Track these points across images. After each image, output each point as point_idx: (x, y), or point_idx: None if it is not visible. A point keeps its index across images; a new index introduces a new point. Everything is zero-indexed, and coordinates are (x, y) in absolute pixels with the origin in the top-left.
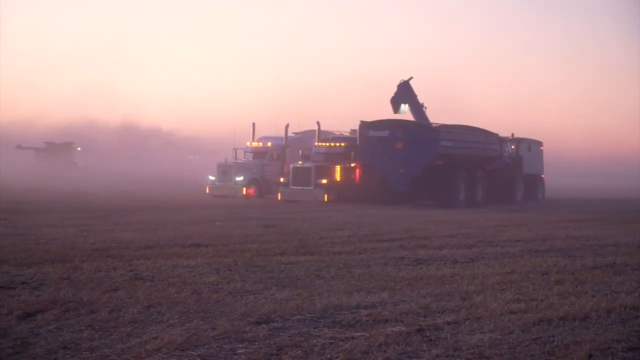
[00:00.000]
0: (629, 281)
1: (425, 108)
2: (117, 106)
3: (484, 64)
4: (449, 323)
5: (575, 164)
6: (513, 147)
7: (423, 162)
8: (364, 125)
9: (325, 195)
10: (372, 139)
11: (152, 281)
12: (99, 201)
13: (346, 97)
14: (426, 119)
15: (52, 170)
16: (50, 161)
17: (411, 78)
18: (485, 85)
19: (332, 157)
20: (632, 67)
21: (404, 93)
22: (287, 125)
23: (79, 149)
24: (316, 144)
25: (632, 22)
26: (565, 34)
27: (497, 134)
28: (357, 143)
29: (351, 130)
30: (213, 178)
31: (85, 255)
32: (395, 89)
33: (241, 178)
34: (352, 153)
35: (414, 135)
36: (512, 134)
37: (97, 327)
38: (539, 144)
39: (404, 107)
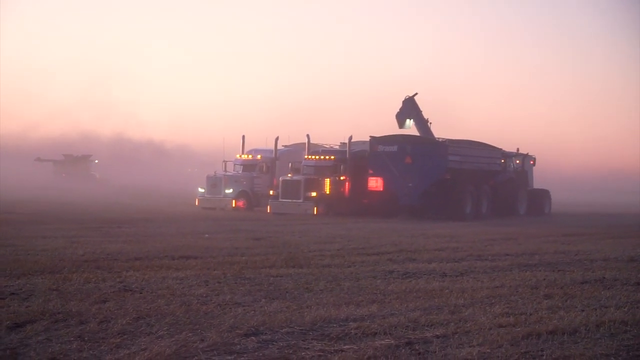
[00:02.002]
0: (618, 296)
1: (430, 123)
2: (110, 118)
3: (485, 79)
4: (437, 337)
5: (576, 178)
6: (517, 162)
7: (432, 177)
8: (374, 140)
9: (315, 208)
10: (382, 154)
11: (141, 293)
12: (90, 213)
13: (338, 111)
14: (431, 134)
15: (71, 182)
16: (69, 173)
17: (416, 94)
18: (486, 100)
19: (321, 170)
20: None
21: (409, 108)
22: (277, 138)
23: (96, 161)
24: (306, 157)
25: (632, 29)
26: (567, 48)
27: (501, 149)
28: (368, 157)
29: (341, 143)
30: (202, 190)
31: (75, 267)
32: (398, 104)
33: (230, 190)
34: (341, 166)
35: (423, 150)
36: (518, 149)
37: (86, 338)
38: (530, 158)
39: (409, 122)
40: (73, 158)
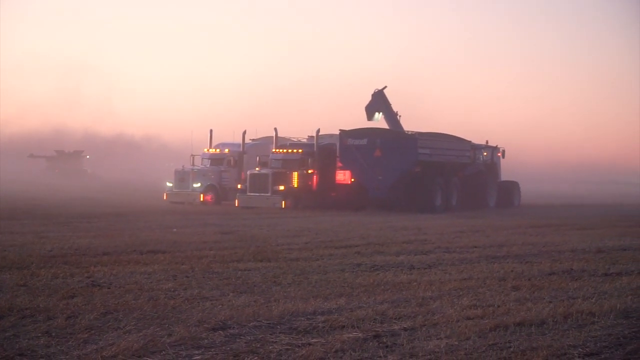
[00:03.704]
0: (586, 287)
1: (400, 116)
2: (80, 113)
3: (455, 72)
4: (405, 329)
5: (546, 170)
6: (486, 154)
7: (401, 169)
8: (343, 133)
9: (283, 202)
10: (351, 147)
11: (109, 288)
12: (60, 208)
13: (306, 104)
14: (400, 127)
15: (63, 178)
16: (61, 170)
17: (385, 87)
18: (456, 92)
19: (289, 163)
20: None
21: (379, 102)
22: (244, 132)
23: (88, 157)
24: (273, 150)
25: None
26: (546, 40)
27: (470, 141)
28: (337, 151)
29: (308, 137)
30: (170, 184)
31: (42, 262)
32: (367, 97)
33: (198, 185)
34: (309, 159)
35: (392, 143)
36: (487, 141)
37: (53, 334)
38: (499, 150)
39: (378, 115)
40: (64, 154)
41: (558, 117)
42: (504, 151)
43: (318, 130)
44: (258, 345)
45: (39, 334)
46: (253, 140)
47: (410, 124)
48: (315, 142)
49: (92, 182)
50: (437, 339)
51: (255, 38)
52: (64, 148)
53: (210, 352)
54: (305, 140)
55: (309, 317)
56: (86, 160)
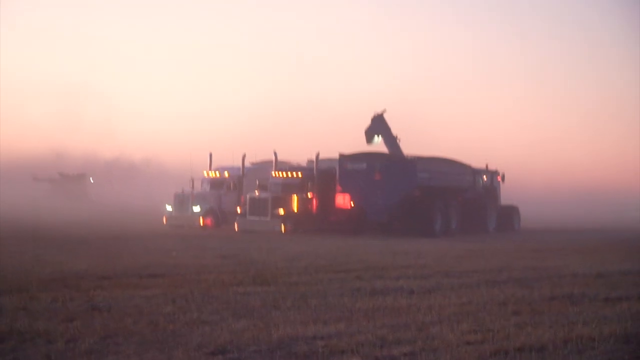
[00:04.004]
0: (586, 312)
1: (399, 140)
2: (80, 135)
3: (456, 95)
4: (405, 354)
5: (546, 194)
6: (486, 178)
7: (401, 193)
8: (343, 158)
9: (282, 226)
10: (351, 171)
11: (108, 311)
12: (60, 231)
13: (305, 128)
14: (400, 150)
15: (66, 201)
16: (65, 193)
17: (384, 111)
18: (456, 116)
19: (289, 187)
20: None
21: (378, 125)
22: (244, 156)
23: (92, 180)
24: (273, 174)
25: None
26: (534, 65)
27: (470, 165)
28: (336, 175)
29: (308, 160)
30: (170, 208)
31: (42, 285)
32: (366, 120)
33: (198, 208)
34: (309, 183)
35: (392, 167)
36: (487, 165)
37: (53, 358)
38: (498, 174)
39: (377, 139)
40: (68, 177)
41: (561, 142)
42: (503, 175)
43: (317, 154)
44: None
45: (39, 358)
46: (253, 163)
47: (410, 146)
48: (315, 166)
49: (94, 205)
50: None
51: (255, 61)
52: (67, 171)
53: None
54: (304, 164)
55: (308, 341)
56: (89, 183)
